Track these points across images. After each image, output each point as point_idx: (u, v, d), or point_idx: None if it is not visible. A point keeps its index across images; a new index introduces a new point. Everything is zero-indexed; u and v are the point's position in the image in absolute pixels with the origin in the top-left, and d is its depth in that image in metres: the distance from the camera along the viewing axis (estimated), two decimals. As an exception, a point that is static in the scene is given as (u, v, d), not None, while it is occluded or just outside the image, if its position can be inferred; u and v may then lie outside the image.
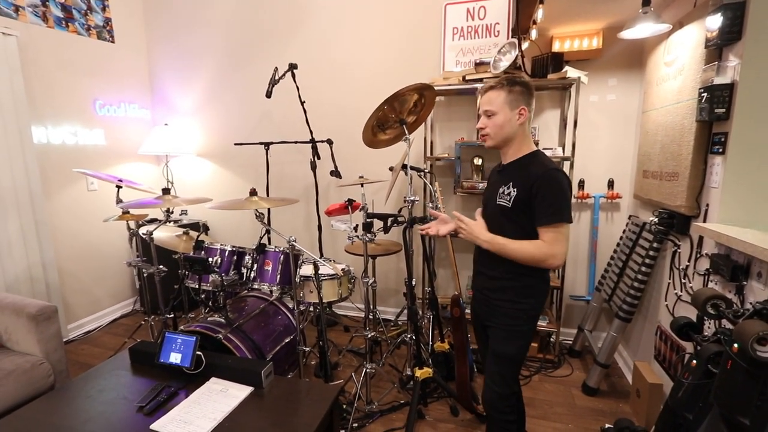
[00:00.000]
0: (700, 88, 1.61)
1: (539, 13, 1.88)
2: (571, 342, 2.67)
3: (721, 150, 1.56)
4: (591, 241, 2.62)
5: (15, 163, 2.46)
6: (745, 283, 1.39)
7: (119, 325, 3.09)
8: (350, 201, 1.98)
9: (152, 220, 3.06)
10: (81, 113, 2.90)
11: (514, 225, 1.33)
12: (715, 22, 1.52)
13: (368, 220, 1.84)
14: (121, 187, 2.26)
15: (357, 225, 1.93)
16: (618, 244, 2.45)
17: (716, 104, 1.51)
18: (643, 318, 2.26)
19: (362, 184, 1.93)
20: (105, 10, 3.02)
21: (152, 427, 1.36)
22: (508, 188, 1.35)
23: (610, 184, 2.55)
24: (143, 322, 2.50)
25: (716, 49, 1.57)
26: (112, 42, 3.10)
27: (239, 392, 1.55)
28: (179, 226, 2.86)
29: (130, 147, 3.26)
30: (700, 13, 1.67)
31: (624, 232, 2.43)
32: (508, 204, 1.33)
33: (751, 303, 1.19)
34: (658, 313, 2.07)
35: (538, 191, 1.26)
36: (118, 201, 2.24)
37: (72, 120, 2.84)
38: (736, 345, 1.07)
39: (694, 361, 1.35)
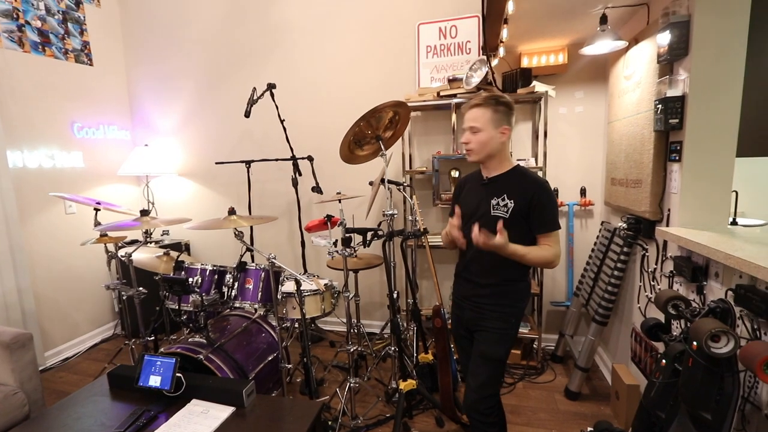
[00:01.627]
0: (655, 100, 1.71)
1: (504, 33, 1.98)
2: (553, 348, 2.72)
3: (677, 158, 1.65)
4: (567, 247, 2.70)
5: (-11, 188, 2.42)
6: (705, 283, 1.46)
7: (99, 351, 3.02)
8: (329, 217, 2.01)
9: (132, 242, 3.03)
10: (58, 136, 2.88)
11: (510, 233, 1.35)
12: (664, 38, 1.62)
13: (347, 235, 1.87)
14: (98, 209, 2.25)
15: (336, 240, 1.96)
16: (592, 250, 2.53)
17: (670, 115, 1.61)
18: (620, 321, 2.32)
19: (340, 200, 1.97)
20: (83, 33, 3.03)
21: (131, 452, 1.34)
22: (503, 200, 1.42)
23: (583, 192, 2.65)
24: (124, 346, 2.45)
25: (667, 64, 1.68)
26: (91, 65, 3.10)
27: (221, 413, 1.54)
28: (160, 247, 2.84)
29: (110, 168, 3.24)
30: (652, 30, 1.78)
31: (597, 238, 2.52)
32: (506, 215, 1.41)
33: (712, 301, 1.25)
34: (632, 316, 2.14)
35: (538, 202, 1.38)
36: (96, 224, 2.23)
37: (49, 143, 2.82)
38: (695, 343, 1.13)
39: (664, 361, 1.40)
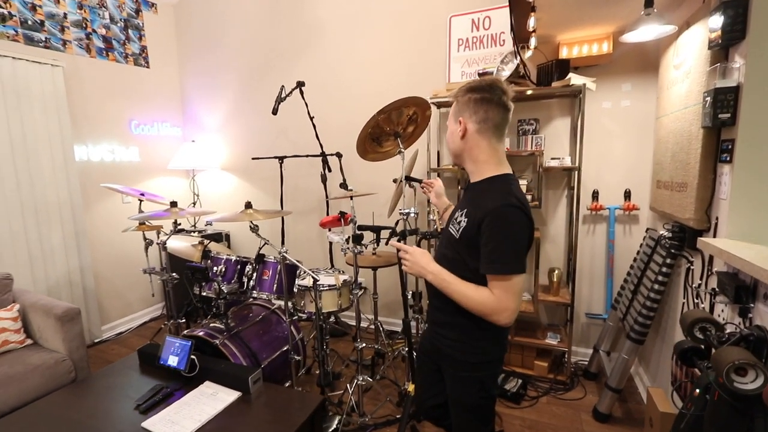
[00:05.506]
0: (704, 92, 1.49)
1: (531, 22, 1.84)
2: (587, 363, 2.51)
3: (729, 158, 1.43)
4: (607, 255, 2.47)
5: (59, 179, 2.75)
6: (752, 305, 1.25)
7: (147, 328, 3.32)
8: (342, 213, 2.02)
9: (179, 231, 3.28)
10: (118, 132, 3.20)
11: (458, 256, 1.16)
12: (716, 21, 1.41)
13: (358, 232, 1.87)
14: (142, 200, 2.46)
15: (349, 237, 1.96)
16: (635, 260, 2.28)
17: (720, 109, 1.40)
18: (661, 340, 2.08)
19: (352, 197, 1.97)
20: (141, 39, 3.33)
21: (143, 424, 1.46)
22: (461, 215, 1.16)
23: (627, 194, 2.40)
24: (162, 326, 2.67)
25: (721, 50, 1.46)
26: (147, 67, 3.40)
27: (228, 396, 1.62)
28: (203, 236, 3.04)
29: (162, 163, 3.53)
30: (706, 11, 1.55)
31: (641, 246, 2.27)
32: (456, 234, 1.16)
33: (747, 328, 1.07)
34: (674, 335, 1.90)
35: (485, 231, 1.06)
36: (140, 213, 2.44)
37: (110, 139, 3.14)
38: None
39: (697, 390, 1.23)
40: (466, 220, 1.13)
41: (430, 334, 1.36)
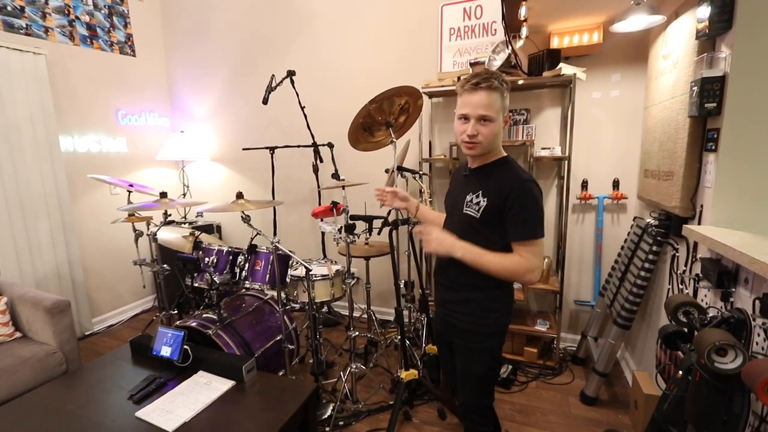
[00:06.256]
0: (691, 82, 1.51)
1: (522, 11, 1.84)
2: (575, 348, 2.57)
3: (714, 147, 1.46)
4: (596, 243, 2.51)
5: (44, 170, 2.69)
6: (733, 289, 1.29)
7: (139, 320, 3.30)
8: (334, 203, 2.02)
9: (170, 222, 3.25)
10: (105, 123, 3.13)
11: (480, 236, 1.25)
12: (704, 11, 1.43)
13: (350, 222, 1.87)
14: (131, 191, 2.43)
15: (341, 227, 1.97)
16: (622, 248, 2.33)
17: (706, 98, 1.42)
18: (647, 325, 2.14)
19: (344, 187, 1.97)
20: (127, 26, 3.25)
21: (137, 414, 1.46)
22: (477, 197, 1.26)
23: (615, 184, 2.43)
24: (154, 318, 2.66)
25: (708, 40, 1.48)
26: (134, 56, 3.32)
27: (222, 385, 1.62)
28: (193, 227, 3.01)
29: (150, 153, 3.47)
30: (695, 1, 1.57)
31: (628, 234, 2.31)
32: (477, 214, 1.25)
33: (727, 310, 1.11)
34: (660, 321, 1.96)
35: (512, 205, 1.19)
36: (129, 204, 2.41)
37: (96, 129, 3.07)
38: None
39: (680, 372, 1.28)
40: (485, 199, 1.24)
41: (441, 317, 1.45)
